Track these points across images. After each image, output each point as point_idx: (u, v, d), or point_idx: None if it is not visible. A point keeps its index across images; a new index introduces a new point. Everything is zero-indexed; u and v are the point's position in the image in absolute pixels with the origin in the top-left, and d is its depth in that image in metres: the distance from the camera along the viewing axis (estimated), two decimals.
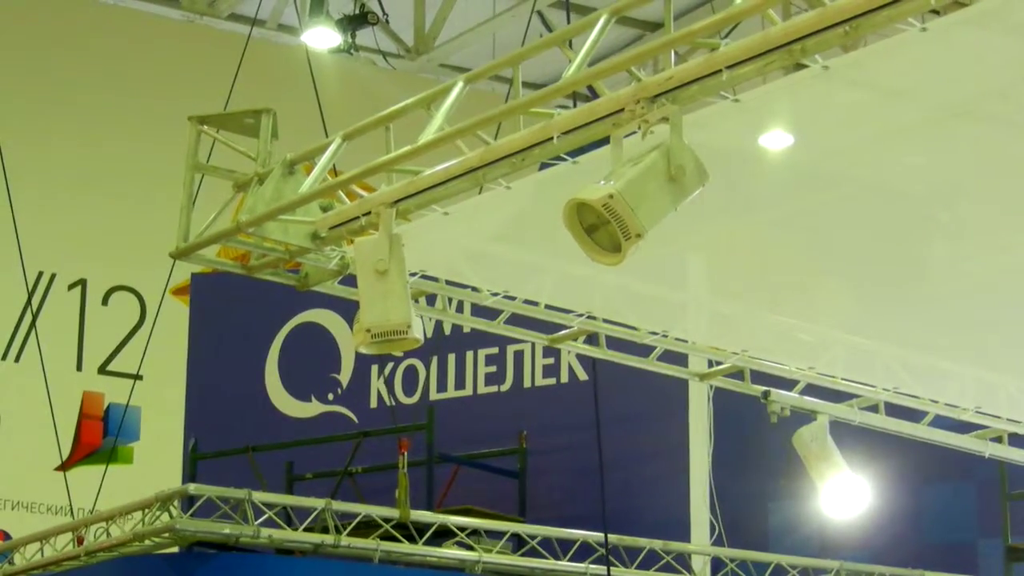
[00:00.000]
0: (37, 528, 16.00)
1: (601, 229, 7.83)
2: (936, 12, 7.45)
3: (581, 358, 14.46)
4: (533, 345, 13.39)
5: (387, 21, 24.24)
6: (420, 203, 9.11)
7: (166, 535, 13.47)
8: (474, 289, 10.40)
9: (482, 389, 17.05)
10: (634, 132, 8.02)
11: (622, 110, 8.05)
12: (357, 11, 22.90)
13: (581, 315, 10.73)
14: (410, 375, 17.36)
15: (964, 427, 12.27)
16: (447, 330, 16.45)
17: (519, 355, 16.75)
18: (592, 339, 11.12)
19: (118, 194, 22.11)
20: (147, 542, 13.68)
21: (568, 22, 10.33)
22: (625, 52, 8.34)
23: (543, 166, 8.98)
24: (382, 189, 9.13)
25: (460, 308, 11.69)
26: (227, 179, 9.78)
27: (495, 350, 16.79)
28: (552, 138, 8.41)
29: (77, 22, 24.01)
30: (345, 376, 17.70)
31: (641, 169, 7.77)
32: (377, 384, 17.51)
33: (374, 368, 17.49)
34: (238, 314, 17.69)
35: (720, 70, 7.84)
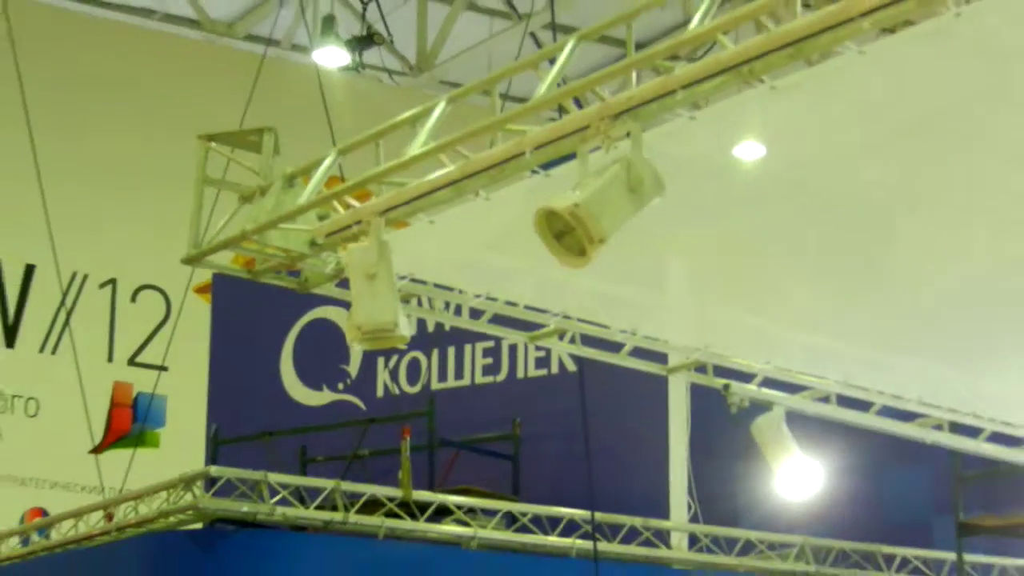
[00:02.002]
0: (72, 506, 15.94)
1: (568, 235, 7.95)
2: (891, 31, 7.54)
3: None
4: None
5: (392, 41, 24.17)
6: (407, 212, 9.18)
7: (189, 513, 13.57)
8: (459, 291, 10.51)
9: (479, 379, 17.08)
10: (598, 147, 8.15)
11: (588, 127, 8.16)
12: (364, 32, 22.81)
13: (557, 315, 10.86)
14: (413, 366, 17.39)
15: (909, 416, 12.35)
16: (447, 326, 16.50)
17: (513, 348, 16.80)
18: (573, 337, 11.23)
19: (145, 201, 22.12)
20: (172, 519, 13.74)
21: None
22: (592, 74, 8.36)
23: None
24: (372, 200, 9.24)
25: (459, 311, 11.74)
26: (234, 191, 9.90)
27: (491, 344, 16.83)
28: (525, 153, 8.57)
29: (112, 45, 24.09)
30: (354, 367, 17.73)
31: (605, 180, 7.88)
32: (383, 375, 17.55)
33: (380, 360, 17.52)
34: (256, 310, 17.69)
35: (675, 90, 7.96)
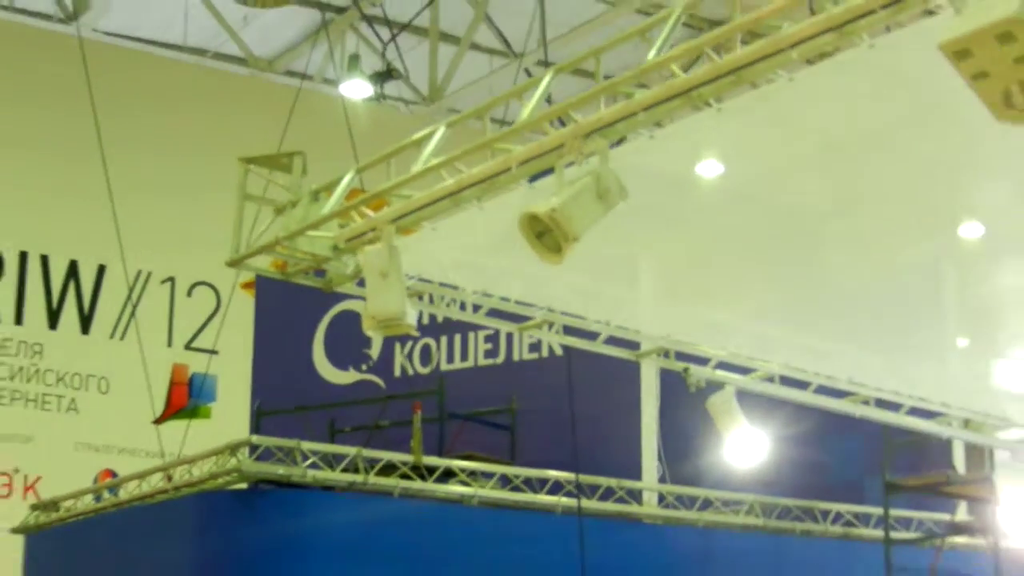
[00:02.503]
0: (137, 469, 15.89)
1: (547, 235, 8.02)
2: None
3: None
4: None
5: (407, 76, 24.26)
6: (414, 220, 9.25)
7: (235, 475, 13.53)
8: (459, 289, 10.54)
9: (481, 362, 17.08)
10: (572, 163, 8.18)
11: (563, 145, 8.23)
12: (384, 68, 22.92)
13: (543, 308, 10.88)
14: (425, 351, 17.39)
15: (841, 393, 12.36)
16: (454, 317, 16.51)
17: (510, 336, 16.78)
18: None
19: (199, 210, 22.05)
20: (220, 480, 13.71)
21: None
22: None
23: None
24: (384, 210, 9.29)
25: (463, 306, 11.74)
26: (269, 205, 9.93)
27: (491, 332, 16.81)
28: (511, 168, 8.60)
29: (172, 79, 24.19)
30: (375, 352, 17.72)
31: (577, 189, 7.97)
32: (399, 358, 17.53)
33: (397, 345, 17.50)
34: (292, 303, 17.66)
35: (637, 112, 8.01)
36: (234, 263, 10.03)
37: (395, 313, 9.10)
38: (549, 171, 8.61)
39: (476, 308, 10.82)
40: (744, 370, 11.90)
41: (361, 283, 9.96)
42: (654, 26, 8.15)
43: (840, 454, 16.30)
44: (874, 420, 12.82)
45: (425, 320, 16.56)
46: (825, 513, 15.73)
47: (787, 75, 7.59)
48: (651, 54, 7.92)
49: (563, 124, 8.55)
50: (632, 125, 8.14)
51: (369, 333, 9.57)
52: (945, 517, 16.04)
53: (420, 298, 10.37)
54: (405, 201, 9.14)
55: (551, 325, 11.11)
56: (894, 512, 15.50)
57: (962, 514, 16.20)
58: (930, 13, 6.87)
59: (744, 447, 12.33)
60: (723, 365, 11.77)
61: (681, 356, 11.66)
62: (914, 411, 12.71)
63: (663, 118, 8.14)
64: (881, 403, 12.53)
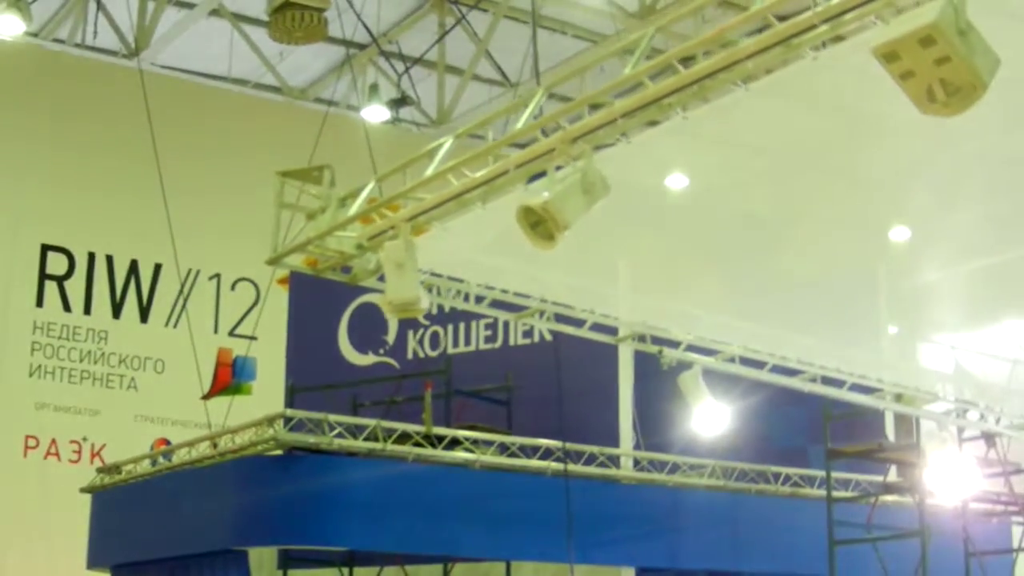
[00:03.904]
0: (187, 438, 15.98)
1: (541, 225, 7.97)
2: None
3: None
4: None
5: (419, 102, 24.27)
6: (427, 219, 9.24)
7: (272, 443, 13.52)
8: (465, 282, 10.52)
9: (482, 346, 17.04)
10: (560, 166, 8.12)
11: (554, 149, 8.17)
12: (399, 96, 22.96)
13: (536, 299, 10.85)
14: (434, 337, 17.35)
15: (792, 372, 12.32)
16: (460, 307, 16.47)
17: (507, 324, 16.75)
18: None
19: (242, 216, 21.98)
20: (259, 447, 13.69)
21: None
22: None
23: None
24: (400, 211, 9.27)
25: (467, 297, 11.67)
26: (302, 211, 9.89)
27: (491, 320, 16.77)
28: (509, 170, 8.54)
29: (217, 105, 24.29)
30: (391, 337, 17.67)
31: (566, 184, 7.94)
32: (412, 343, 17.49)
33: (410, 332, 17.47)
34: (321, 296, 17.63)
35: (616, 119, 7.94)
36: (273, 261, 10.02)
37: (410, 298, 9.10)
38: (542, 175, 8.58)
39: (479, 299, 10.75)
40: (710, 352, 11.85)
41: (382, 278, 9.97)
42: (632, 45, 8.08)
43: (787, 425, 16.30)
44: (820, 395, 12.74)
45: (434, 310, 16.50)
46: (776, 475, 15.73)
47: (745, 87, 7.52)
48: (627, 68, 7.85)
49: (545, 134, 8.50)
50: (612, 131, 8.08)
51: (388, 316, 9.53)
52: (878, 479, 16.04)
53: (431, 290, 10.30)
54: (418, 202, 9.07)
55: (543, 314, 11.05)
56: (835, 475, 15.50)
57: (892, 476, 16.22)
58: (864, 28, 6.90)
59: (709, 418, 12.28)
60: (692, 348, 11.71)
61: (656, 340, 11.59)
62: (854, 387, 12.66)
63: (640, 124, 8.06)
64: (826, 380, 12.47)
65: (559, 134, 8.17)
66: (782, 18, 7.16)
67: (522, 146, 8.69)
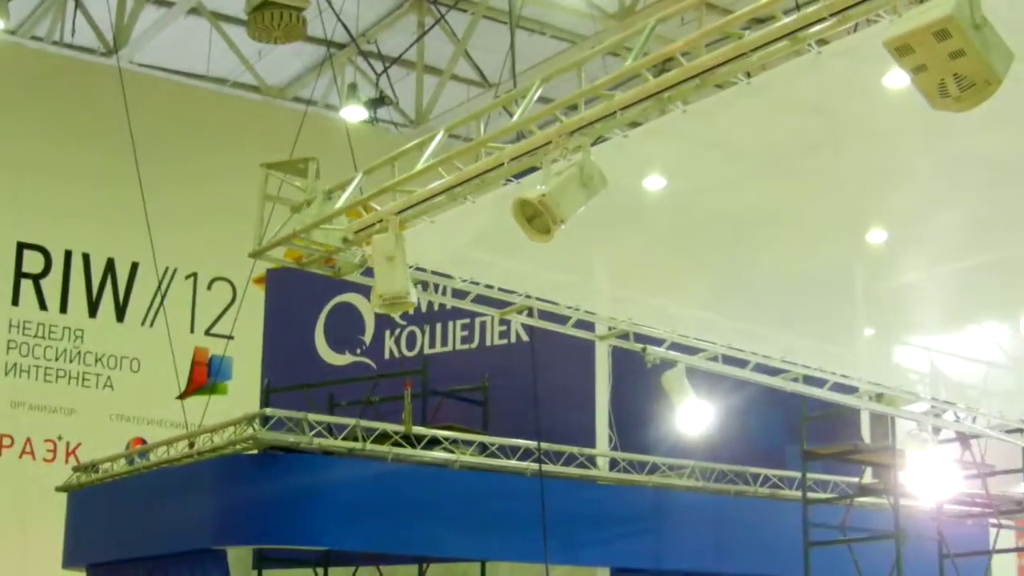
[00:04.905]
0: (164, 436, 15.99)
1: (537, 218, 7.87)
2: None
3: (525, 326, 14.40)
4: (492, 317, 13.38)
5: (398, 102, 24.22)
6: (416, 213, 9.12)
7: (250, 442, 13.45)
8: (449, 277, 10.45)
9: (459, 347, 16.93)
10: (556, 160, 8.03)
11: (550, 142, 8.08)
12: (378, 95, 22.91)
13: (521, 295, 10.78)
14: (411, 337, 17.26)
15: (774, 371, 12.27)
16: (436, 306, 16.40)
17: (483, 324, 16.68)
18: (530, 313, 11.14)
19: (219, 215, 22.14)
20: (237, 446, 13.65)
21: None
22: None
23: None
24: (389, 204, 9.18)
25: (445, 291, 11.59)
26: (287, 204, 9.79)
27: (468, 320, 16.69)
28: (504, 163, 8.44)
29: (197, 104, 24.20)
30: (368, 337, 17.58)
31: (564, 178, 7.83)
32: (389, 342, 17.41)
33: (387, 332, 17.39)
34: (297, 296, 17.59)
35: (615, 112, 7.86)
36: (256, 254, 9.90)
37: (400, 292, 9.01)
38: (530, 171, 8.50)
39: (463, 295, 10.65)
40: (693, 350, 11.78)
41: (366, 272, 9.89)
42: (631, 37, 8.00)
43: (765, 426, 16.30)
44: (800, 394, 12.71)
45: (410, 310, 16.41)
46: (755, 476, 15.73)
47: (747, 82, 7.45)
48: (628, 61, 7.76)
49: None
50: (610, 124, 7.98)
51: (376, 310, 9.45)
52: (854, 480, 16.02)
53: (415, 285, 10.18)
54: (408, 195, 8.99)
55: (529, 310, 10.96)
56: (812, 476, 15.54)
57: (868, 477, 16.23)
58: (871, 21, 6.84)
59: (693, 417, 12.20)
60: (675, 346, 11.64)
61: (639, 338, 11.52)
62: (836, 386, 12.62)
63: (638, 118, 7.98)
64: (808, 380, 12.42)
65: (557, 127, 8.06)
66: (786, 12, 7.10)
67: (508, 142, 8.60)
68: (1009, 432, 14.24)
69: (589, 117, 7.95)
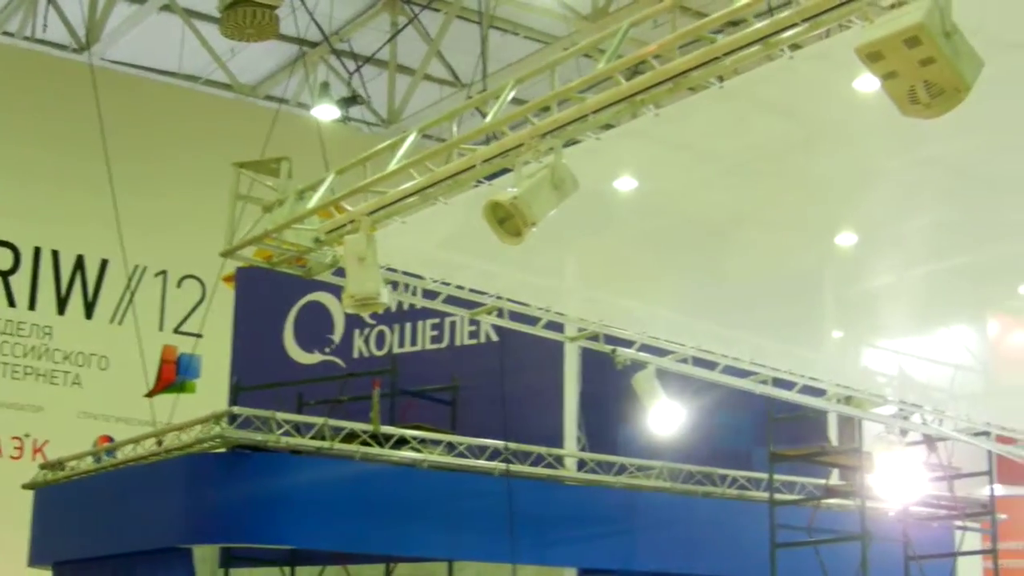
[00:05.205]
0: (132, 434, 15.91)
1: (509, 220, 7.86)
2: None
3: (494, 326, 14.40)
4: (462, 317, 13.39)
5: (370, 102, 24.18)
6: (388, 213, 9.10)
7: (217, 440, 13.42)
8: (420, 277, 10.44)
9: (428, 346, 16.92)
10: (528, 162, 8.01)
11: (522, 144, 8.07)
12: (350, 95, 22.84)
13: (492, 296, 10.77)
14: (380, 336, 17.23)
15: (744, 373, 12.28)
16: (405, 306, 16.38)
17: (453, 323, 16.66)
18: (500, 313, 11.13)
19: (189, 213, 22.11)
20: (205, 445, 13.58)
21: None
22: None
23: None
24: (361, 205, 9.16)
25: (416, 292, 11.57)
26: (258, 203, 9.76)
27: (437, 320, 16.68)
28: (476, 165, 8.43)
29: (170, 102, 24.05)
30: (337, 336, 17.56)
31: (536, 181, 7.84)
32: (358, 342, 17.38)
33: (356, 331, 17.37)
34: (267, 294, 17.54)
35: (587, 115, 7.84)
36: (227, 253, 9.88)
37: (372, 292, 9.02)
38: (502, 173, 8.48)
39: (434, 295, 10.63)
40: (662, 352, 11.79)
41: (337, 272, 9.87)
42: (604, 40, 7.99)
43: (733, 427, 16.28)
44: (769, 396, 12.72)
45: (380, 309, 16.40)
46: (723, 478, 15.73)
47: (719, 85, 7.44)
48: (600, 64, 7.75)
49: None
50: (582, 127, 7.98)
51: (349, 310, 9.42)
52: (821, 482, 16.05)
53: (386, 286, 10.16)
54: (380, 196, 8.96)
55: (500, 311, 10.95)
56: (778, 477, 15.56)
57: (835, 479, 16.26)
58: (830, 32, 6.85)
59: (663, 419, 12.20)
60: (645, 347, 11.65)
61: (609, 339, 11.52)
62: (805, 389, 12.64)
63: (611, 120, 7.97)
64: (777, 382, 12.45)
65: (529, 129, 8.06)
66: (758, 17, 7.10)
67: (481, 144, 8.59)
68: (975, 435, 14.27)
69: (561, 120, 7.95)
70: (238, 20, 17.51)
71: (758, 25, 7.06)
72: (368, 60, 23.90)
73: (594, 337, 11.53)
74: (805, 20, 6.86)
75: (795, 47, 7.11)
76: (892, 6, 6.27)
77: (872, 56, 6.16)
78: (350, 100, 22.73)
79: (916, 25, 5.99)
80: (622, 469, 15.16)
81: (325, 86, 22.79)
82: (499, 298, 10.77)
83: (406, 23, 23.66)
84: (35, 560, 16.16)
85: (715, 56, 7.27)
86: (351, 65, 23.64)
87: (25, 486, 16.33)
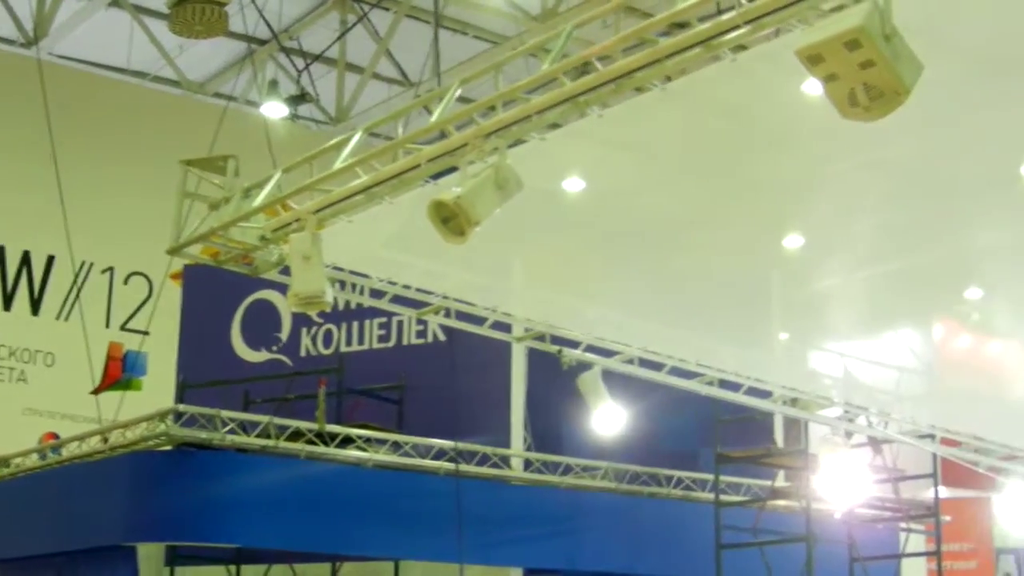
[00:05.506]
0: (77, 432, 15.82)
1: (452, 220, 7.85)
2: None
3: (442, 325, 14.39)
4: (410, 316, 13.37)
5: (318, 100, 24.12)
6: (334, 212, 9.07)
7: (163, 438, 13.38)
8: (367, 276, 10.41)
9: (375, 345, 16.89)
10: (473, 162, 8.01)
11: (467, 144, 8.06)
12: (299, 92, 22.78)
13: (439, 295, 10.76)
14: (328, 335, 17.20)
15: (690, 374, 12.29)
16: (353, 304, 16.34)
17: (400, 323, 16.64)
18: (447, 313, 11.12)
19: (137, 209, 21.95)
20: (150, 443, 13.53)
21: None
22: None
23: None
24: (307, 203, 9.13)
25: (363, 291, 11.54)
26: (205, 201, 9.72)
27: (385, 319, 16.66)
28: (421, 164, 8.41)
29: (117, 98, 23.95)
30: (284, 334, 17.51)
31: (480, 180, 7.83)
32: (305, 340, 17.34)
33: (303, 329, 17.33)
34: (214, 292, 17.47)
35: (531, 115, 7.84)
36: (173, 251, 9.86)
37: (316, 291, 9.00)
38: (449, 172, 8.47)
39: (380, 294, 10.61)
40: (609, 352, 11.79)
41: (283, 271, 9.84)
42: (551, 40, 7.98)
43: (679, 428, 16.30)
44: (716, 398, 12.74)
45: (327, 308, 16.36)
46: (669, 479, 15.78)
47: (662, 87, 7.44)
48: (545, 64, 7.74)
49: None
50: (527, 127, 7.97)
51: (294, 309, 9.40)
52: (766, 483, 16.10)
53: (333, 285, 10.14)
54: (326, 195, 8.93)
55: (447, 311, 10.94)
56: (724, 478, 15.61)
57: (780, 481, 16.32)
58: (779, 32, 6.90)
59: (607, 420, 12.21)
60: (591, 348, 11.66)
61: (556, 340, 11.52)
62: (751, 390, 12.67)
63: (558, 120, 7.95)
64: (724, 383, 12.47)
65: (474, 129, 8.06)
66: (702, 19, 7.11)
67: (427, 143, 8.57)
68: (920, 438, 14.34)
69: (506, 120, 7.94)
70: (187, 16, 17.47)
71: (701, 27, 7.07)
72: (317, 58, 23.82)
73: (541, 337, 11.52)
74: (747, 23, 6.86)
75: (741, 48, 7.12)
76: (833, 9, 6.31)
77: (812, 59, 6.20)
78: (299, 98, 22.67)
79: (856, 28, 6.03)
80: (568, 469, 15.18)
81: (274, 84, 22.72)
82: (446, 298, 10.76)
83: (356, 21, 23.61)
84: None
85: (658, 58, 7.27)
86: (300, 63, 23.55)
87: None
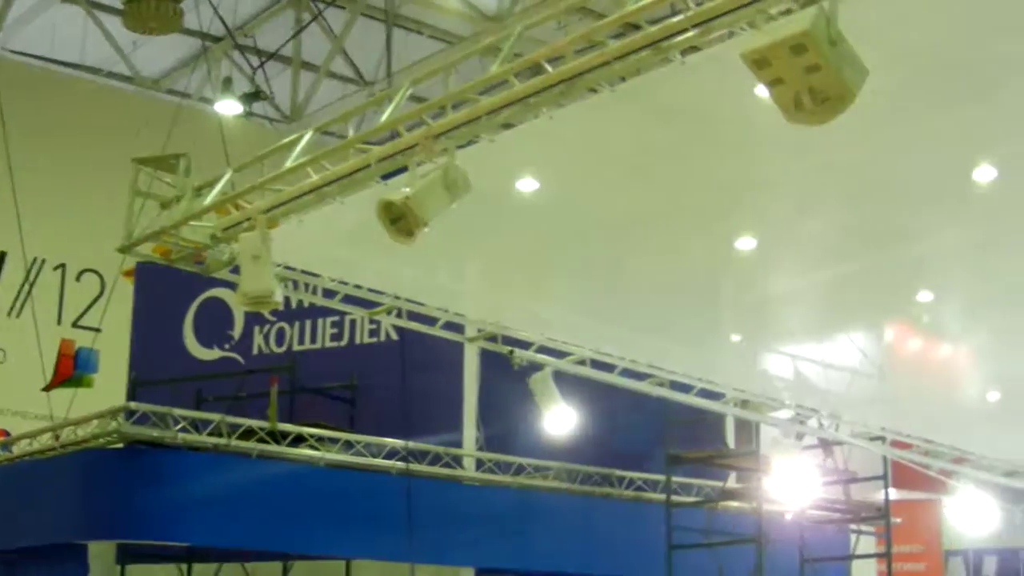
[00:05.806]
0: (27, 429, 15.74)
1: (401, 220, 7.85)
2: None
3: (395, 325, 14.40)
4: (362, 316, 13.35)
5: (273, 98, 24.08)
6: (284, 212, 9.06)
7: (114, 436, 13.32)
8: (317, 276, 10.40)
9: (328, 344, 16.87)
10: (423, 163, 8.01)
11: (417, 144, 8.06)
12: (253, 90, 22.71)
13: (390, 295, 10.75)
14: (280, 333, 17.16)
15: (641, 375, 12.32)
16: (306, 303, 16.30)
17: (353, 322, 16.63)
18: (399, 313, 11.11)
19: (89, 206, 21.85)
20: (101, 440, 13.48)
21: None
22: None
23: None
24: (257, 203, 9.12)
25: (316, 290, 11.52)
26: (157, 200, 9.70)
27: (337, 318, 16.65)
28: (371, 164, 8.40)
29: (70, 94, 23.75)
30: (237, 332, 17.47)
31: (429, 180, 7.84)
32: (258, 338, 17.30)
33: (256, 327, 17.29)
34: (167, 290, 17.40)
35: (480, 116, 7.86)
36: (125, 249, 9.82)
37: (265, 291, 8.98)
38: (401, 171, 8.45)
39: (332, 294, 10.60)
40: (561, 354, 11.80)
41: (234, 270, 9.81)
42: (498, 43, 7.99)
43: (631, 429, 16.32)
44: (666, 399, 12.76)
45: (280, 307, 16.31)
46: (620, 479, 15.81)
47: (611, 89, 7.46)
48: (494, 66, 7.75)
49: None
50: (477, 128, 7.98)
51: (243, 308, 9.39)
52: (718, 484, 16.15)
53: (284, 284, 10.13)
54: (276, 194, 8.92)
55: (398, 311, 10.93)
56: (676, 479, 15.63)
57: (732, 482, 16.36)
58: (733, 34, 6.90)
59: (558, 420, 12.21)
60: (543, 349, 11.67)
61: (507, 340, 11.53)
62: (703, 392, 12.71)
63: (504, 122, 7.96)
64: (675, 385, 12.50)
65: (423, 130, 8.06)
66: (653, 22, 7.13)
67: (379, 143, 8.57)
68: (870, 440, 14.41)
69: (455, 121, 7.95)
70: (141, 12, 17.43)
71: (649, 30, 7.09)
72: (272, 56, 23.79)
73: (493, 338, 11.53)
74: (696, 26, 6.90)
75: (693, 50, 7.13)
76: (781, 14, 6.33)
77: (759, 63, 6.21)
78: (253, 96, 22.60)
79: (802, 32, 6.04)
80: (520, 469, 15.21)
81: (228, 81, 22.65)
82: (398, 298, 10.76)
83: (310, 20, 23.61)
84: None
85: (607, 60, 7.29)
86: (255, 61, 23.51)
87: None
